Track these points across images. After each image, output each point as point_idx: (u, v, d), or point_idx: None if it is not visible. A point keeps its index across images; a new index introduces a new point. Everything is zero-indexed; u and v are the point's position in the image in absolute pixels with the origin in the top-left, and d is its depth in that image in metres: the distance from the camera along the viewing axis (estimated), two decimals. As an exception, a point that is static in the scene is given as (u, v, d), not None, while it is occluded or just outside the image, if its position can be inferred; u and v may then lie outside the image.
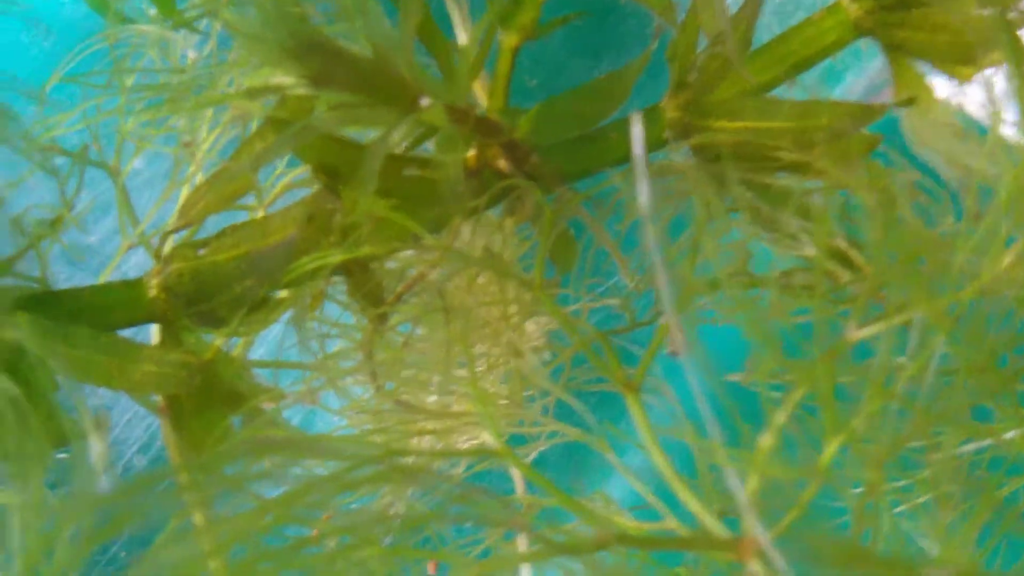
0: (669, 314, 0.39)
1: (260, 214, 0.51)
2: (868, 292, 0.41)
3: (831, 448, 0.39)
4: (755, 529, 0.38)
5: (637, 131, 0.40)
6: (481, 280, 0.50)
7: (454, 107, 0.42)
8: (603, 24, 0.75)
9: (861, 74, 0.66)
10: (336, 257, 0.43)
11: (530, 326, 0.53)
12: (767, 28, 0.49)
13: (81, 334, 0.44)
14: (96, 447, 0.38)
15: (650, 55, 0.52)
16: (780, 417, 0.38)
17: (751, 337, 0.39)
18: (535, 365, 0.49)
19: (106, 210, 0.59)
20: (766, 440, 0.39)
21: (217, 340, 0.48)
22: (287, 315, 0.48)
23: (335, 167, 0.43)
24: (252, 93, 0.41)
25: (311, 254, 0.43)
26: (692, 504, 0.40)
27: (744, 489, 0.38)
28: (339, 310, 0.51)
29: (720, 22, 0.49)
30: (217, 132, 0.51)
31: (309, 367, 0.53)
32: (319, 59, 0.39)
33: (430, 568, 0.61)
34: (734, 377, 0.49)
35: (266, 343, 0.52)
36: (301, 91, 0.40)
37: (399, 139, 0.41)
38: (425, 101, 0.40)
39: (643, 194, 0.39)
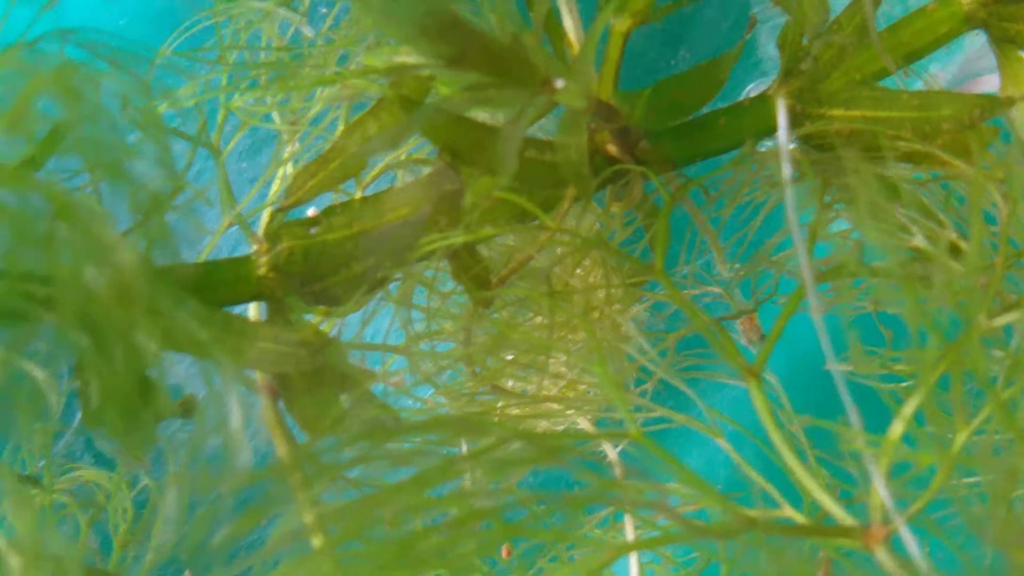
0: (810, 296, 0.39)
1: (357, 194, 0.51)
2: (997, 281, 0.41)
3: (962, 435, 0.39)
4: (884, 516, 0.38)
5: (782, 115, 0.40)
6: (583, 268, 0.50)
7: (582, 96, 0.42)
8: (680, 11, 0.75)
9: (949, 64, 0.66)
10: (460, 238, 0.42)
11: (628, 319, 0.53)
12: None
13: (195, 310, 0.43)
14: (233, 432, 0.38)
15: (743, 45, 0.52)
16: (912, 402, 0.38)
17: (911, 321, 0.38)
18: (639, 348, 0.49)
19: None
20: (897, 425, 0.39)
21: (317, 322, 0.48)
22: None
23: (461, 147, 0.42)
24: (382, 71, 0.41)
25: (431, 234, 0.43)
26: (816, 492, 0.40)
27: (876, 474, 0.38)
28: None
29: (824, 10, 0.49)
30: (314, 113, 0.50)
31: (402, 351, 0.53)
32: (457, 38, 0.39)
33: (503, 552, 0.61)
34: (836, 366, 0.49)
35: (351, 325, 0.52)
36: (434, 71, 0.40)
37: (529, 120, 0.41)
38: (560, 83, 0.40)
39: (786, 174, 0.39)
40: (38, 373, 0.40)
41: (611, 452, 0.51)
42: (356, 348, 0.49)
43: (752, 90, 0.72)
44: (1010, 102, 0.44)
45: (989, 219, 0.45)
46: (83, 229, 0.29)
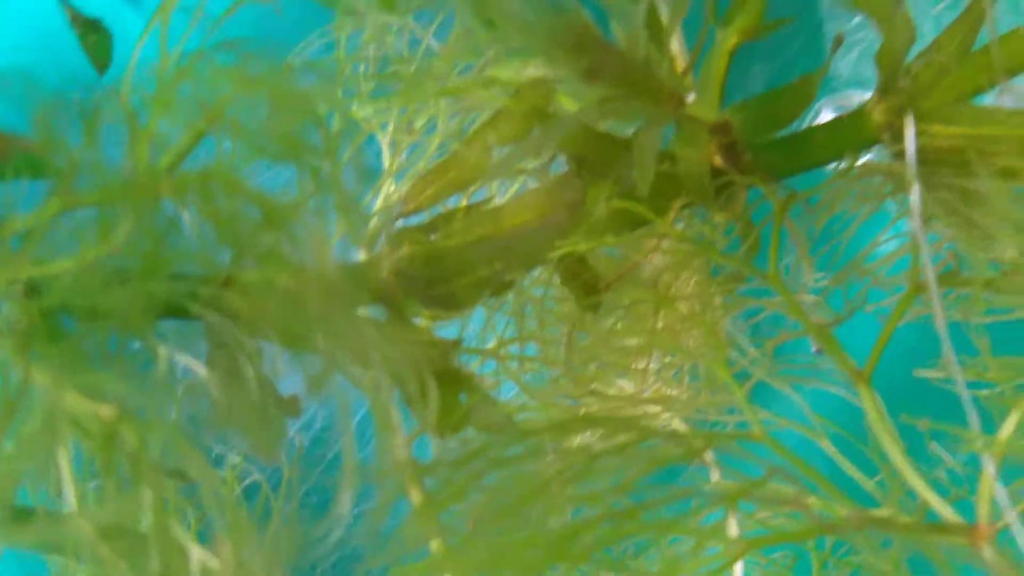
0: (935, 305, 0.41)
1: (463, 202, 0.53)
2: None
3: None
4: (992, 514, 0.40)
5: (909, 133, 0.41)
6: (682, 278, 0.52)
7: (705, 115, 0.44)
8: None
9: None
10: (584, 245, 0.44)
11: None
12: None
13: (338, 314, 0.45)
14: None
15: (830, 61, 0.54)
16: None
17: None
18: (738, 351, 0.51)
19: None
20: (1010, 422, 0.40)
21: (424, 324, 0.49)
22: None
23: (590, 158, 0.44)
24: (516, 84, 0.43)
25: (561, 242, 0.45)
26: (923, 491, 0.42)
27: (989, 470, 0.40)
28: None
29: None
30: (439, 121, 0.52)
31: (507, 357, 0.54)
32: (593, 53, 0.41)
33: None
34: (925, 373, 0.51)
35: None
36: (569, 86, 0.42)
37: (660, 134, 0.43)
38: (691, 97, 0.42)
39: (915, 194, 0.41)
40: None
41: (708, 454, 0.53)
42: (468, 352, 0.51)
43: (823, 106, 0.74)
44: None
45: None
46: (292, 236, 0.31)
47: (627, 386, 0.54)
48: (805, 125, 0.53)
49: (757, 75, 0.71)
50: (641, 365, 0.51)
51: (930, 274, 0.40)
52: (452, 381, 0.46)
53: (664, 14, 0.44)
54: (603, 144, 0.44)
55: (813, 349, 0.66)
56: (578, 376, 0.51)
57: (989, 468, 0.40)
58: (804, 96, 0.53)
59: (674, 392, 0.53)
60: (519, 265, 0.45)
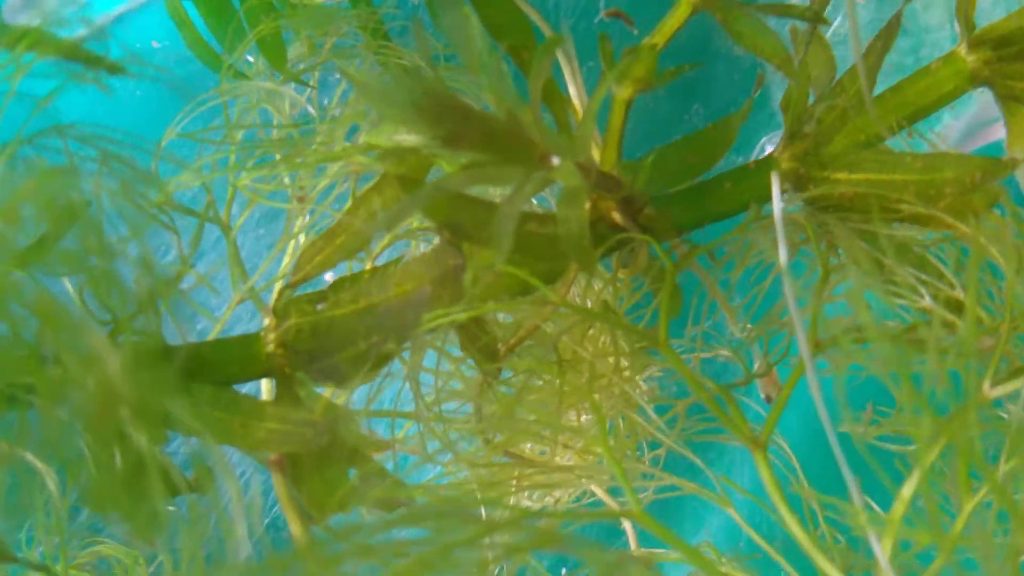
0: (806, 357, 0.39)
1: (367, 266, 0.51)
2: (1003, 344, 0.41)
3: (965, 512, 0.39)
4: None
5: (775, 186, 0.40)
6: (592, 332, 0.50)
7: (579, 164, 0.42)
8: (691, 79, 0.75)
9: (959, 117, 0.65)
10: (463, 314, 0.43)
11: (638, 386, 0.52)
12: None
13: (203, 391, 0.44)
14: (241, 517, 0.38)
15: (749, 108, 0.52)
16: (911, 483, 0.38)
17: (898, 388, 0.38)
18: (647, 417, 0.49)
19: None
20: (900, 504, 0.38)
21: (329, 394, 0.48)
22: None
23: (462, 224, 0.43)
24: (380, 153, 0.41)
25: (435, 310, 0.44)
26: (820, 561, 0.40)
27: (880, 551, 0.38)
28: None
29: (830, 74, 0.49)
30: (321, 187, 0.51)
31: (416, 417, 0.53)
32: (453, 119, 0.39)
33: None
34: (847, 428, 0.49)
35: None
36: (431, 150, 0.40)
37: (528, 197, 0.41)
38: (556, 160, 0.40)
39: (781, 247, 0.39)
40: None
41: (627, 523, 0.51)
42: (368, 416, 0.49)
43: (766, 143, 0.72)
44: (1014, 164, 0.43)
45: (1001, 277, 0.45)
46: (68, 336, 0.30)
47: (546, 451, 0.52)
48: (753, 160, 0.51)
49: (696, 114, 0.70)
50: (550, 431, 0.49)
51: (801, 338, 0.38)
52: (336, 457, 0.45)
53: (536, 81, 0.42)
54: (476, 210, 0.42)
55: (762, 396, 0.64)
56: (495, 441, 0.50)
57: (877, 549, 0.38)
58: (720, 142, 0.51)
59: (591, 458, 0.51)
60: (396, 336, 0.44)
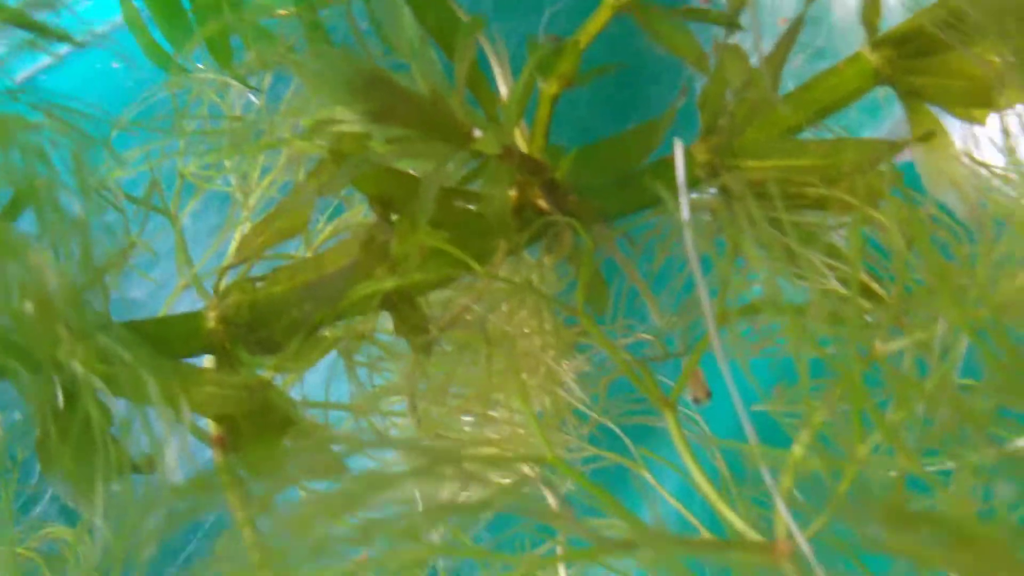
0: (716, 346, 0.41)
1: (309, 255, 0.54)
2: (893, 310, 0.43)
3: (863, 445, 0.41)
4: (788, 530, 0.40)
5: (679, 159, 0.42)
6: (521, 315, 0.53)
7: (503, 147, 0.45)
8: (630, 87, 0.79)
9: (878, 130, 0.69)
10: (389, 283, 0.45)
11: (564, 365, 0.55)
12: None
13: (143, 359, 0.46)
14: (173, 449, 0.40)
15: (676, 110, 0.55)
16: (808, 427, 0.40)
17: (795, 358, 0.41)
18: (573, 392, 0.51)
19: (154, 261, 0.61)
20: (802, 438, 0.41)
21: (269, 370, 0.50)
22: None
23: (391, 198, 0.45)
24: (312, 131, 0.44)
25: (365, 283, 0.46)
26: (724, 511, 0.42)
27: (778, 489, 0.40)
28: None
29: (747, 70, 0.52)
30: (272, 176, 0.54)
31: (352, 408, 0.55)
32: (381, 95, 0.42)
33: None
34: (760, 407, 0.51)
35: (316, 373, 0.55)
36: (361, 126, 0.43)
37: (451, 172, 0.44)
38: (477, 132, 0.43)
39: (685, 213, 0.41)
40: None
41: (551, 498, 0.53)
42: (307, 406, 0.52)
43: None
44: (904, 143, 0.47)
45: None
46: (12, 255, 0.32)
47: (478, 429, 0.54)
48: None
49: (654, 97, 0.73)
50: (482, 407, 0.51)
51: (707, 310, 0.41)
52: (271, 423, 0.47)
53: (462, 62, 0.45)
54: (405, 184, 0.45)
55: (690, 399, 0.66)
56: (423, 420, 0.52)
57: (778, 486, 0.40)
58: (644, 145, 0.54)
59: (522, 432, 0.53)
60: (326, 305, 0.46)
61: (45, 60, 0.71)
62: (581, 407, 0.52)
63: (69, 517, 0.60)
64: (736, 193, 0.49)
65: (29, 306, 0.33)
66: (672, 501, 0.50)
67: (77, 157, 0.36)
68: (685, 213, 0.40)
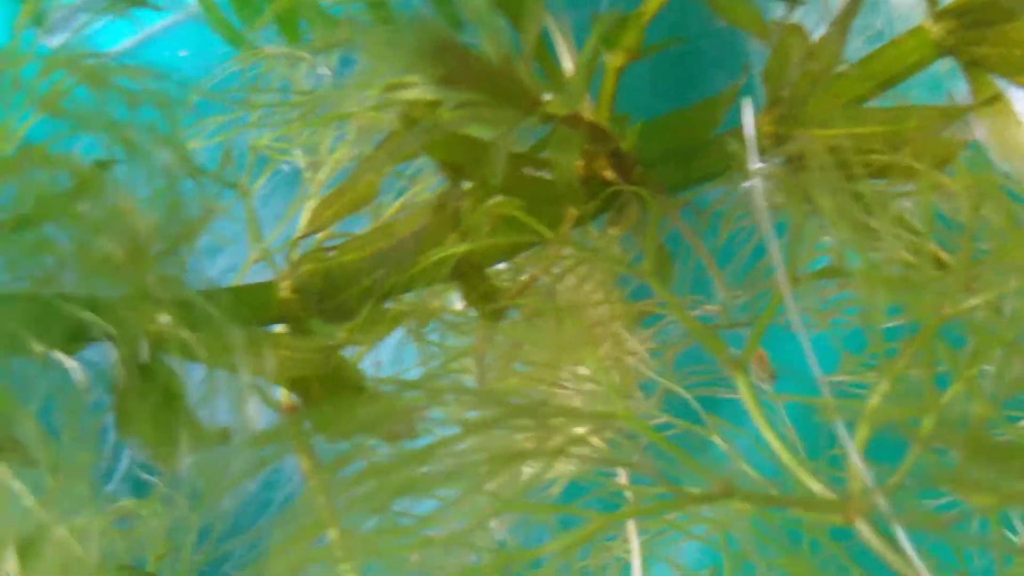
0: (789, 307, 0.42)
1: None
2: (962, 274, 0.44)
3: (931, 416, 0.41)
4: (863, 488, 0.40)
5: (748, 119, 0.43)
6: (588, 287, 0.53)
7: (569, 113, 0.46)
8: (692, 70, 0.80)
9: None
10: (460, 248, 0.46)
11: (632, 336, 0.55)
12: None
13: (225, 321, 0.47)
14: (252, 409, 0.41)
15: (739, 88, 0.56)
16: (883, 383, 0.41)
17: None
18: (641, 363, 0.52)
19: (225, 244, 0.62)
20: (880, 388, 0.41)
21: (340, 343, 0.51)
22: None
23: (461, 164, 0.46)
24: (382, 101, 0.45)
25: (436, 249, 0.47)
26: (797, 470, 0.42)
27: (853, 446, 0.40)
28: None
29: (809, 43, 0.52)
30: (341, 151, 0.55)
31: (420, 383, 0.56)
32: (450, 60, 0.43)
33: None
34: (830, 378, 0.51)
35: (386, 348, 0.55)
36: (430, 93, 0.44)
37: (520, 138, 0.44)
38: (547, 96, 0.43)
39: (755, 167, 0.42)
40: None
41: (623, 475, 0.54)
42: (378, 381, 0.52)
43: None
44: (968, 108, 0.47)
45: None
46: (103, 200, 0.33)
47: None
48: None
49: (716, 81, 0.74)
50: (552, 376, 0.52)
51: (781, 275, 0.41)
52: (344, 387, 0.48)
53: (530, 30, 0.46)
54: (475, 150, 0.46)
55: (754, 379, 0.67)
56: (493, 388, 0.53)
57: (850, 444, 0.40)
58: (707, 121, 0.55)
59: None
60: (398, 271, 0.47)
61: (113, 48, 0.72)
62: (649, 377, 0.53)
63: (141, 494, 0.61)
64: (805, 157, 0.50)
65: (119, 249, 0.34)
66: (745, 467, 0.50)
67: (168, 110, 0.37)
68: (754, 166, 0.41)
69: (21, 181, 0.33)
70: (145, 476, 0.60)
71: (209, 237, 0.56)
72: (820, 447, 0.49)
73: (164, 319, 0.44)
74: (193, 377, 0.47)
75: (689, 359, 0.57)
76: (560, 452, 0.38)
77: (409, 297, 0.51)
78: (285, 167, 0.56)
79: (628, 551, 0.54)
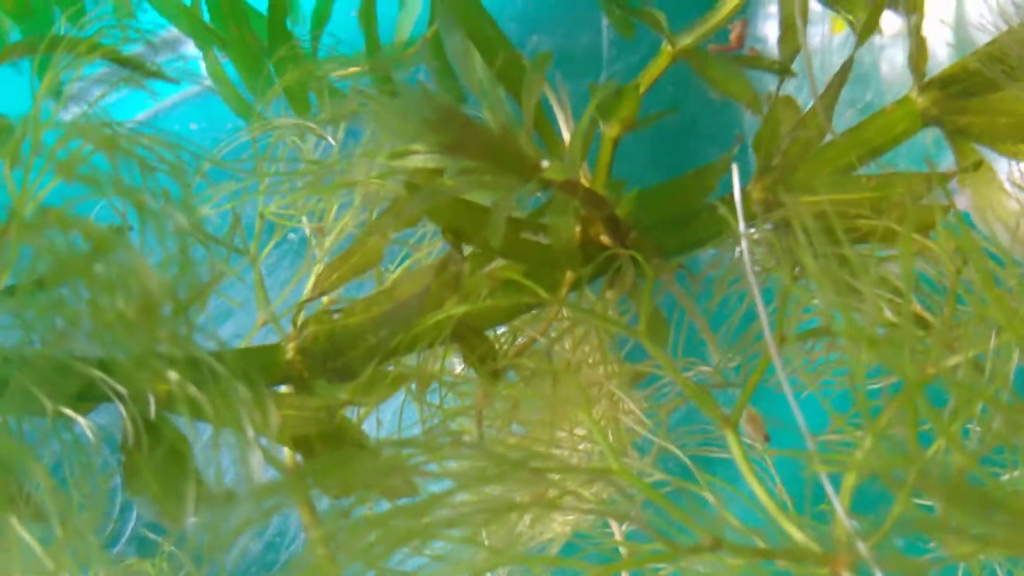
0: (777, 365, 0.43)
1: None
2: (945, 333, 0.45)
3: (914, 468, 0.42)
4: (848, 540, 0.41)
5: (736, 187, 0.45)
6: (584, 349, 0.55)
7: (566, 180, 0.48)
8: (686, 145, 0.82)
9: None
10: (460, 309, 0.48)
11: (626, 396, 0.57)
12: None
13: (226, 384, 0.48)
14: (254, 466, 0.42)
15: (731, 157, 0.57)
16: (869, 438, 0.42)
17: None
18: (636, 421, 0.53)
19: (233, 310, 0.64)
20: (865, 442, 0.42)
21: (343, 404, 0.52)
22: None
23: (463, 228, 0.48)
24: (387, 169, 0.46)
25: (437, 312, 0.48)
26: (786, 524, 0.44)
27: (838, 500, 0.41)
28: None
29: (799, 112, 0.54)
30: (347, 218, 0.56)
31: (420, 443, 0.57)
32: (454, 128, 0.45)
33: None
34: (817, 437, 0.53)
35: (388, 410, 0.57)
36: (433, 161, 0.45)
37: (520, 203, 0.46)
38: (545, 163, 0.45)
39: (744, 247, 0.44)
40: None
41: (616, 530, 0.55)
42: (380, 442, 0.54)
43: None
44: (952, 174, 0.49)
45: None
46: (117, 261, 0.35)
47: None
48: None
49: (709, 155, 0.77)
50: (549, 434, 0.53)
51: (767, 335, 0.43)
52: (346, 443, 0.49)
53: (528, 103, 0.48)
54: (476, 215, 0.48)
55: (748, 441, 0.68)
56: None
57: (835, 497, 0.41)
58: (700, 188, 0.57)
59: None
60: (400, 331, 0.49)
61: (128, 120, 0.74)
62: (643, 436, 0.54)
63: (147, 553, 0.62)
64: (792, 220, 0.51)
65: (130, 307, 0.36)
66: (734, 521, 0.51)
67: (180, 177, 0.39)
68: (743, 231, 0.43)
69: (38, 243, 0.35)
70: (151, 535, 0.62)
71: (218, 301, 0.58)
72: (810, 504, 0.50)
73: (173, 377, 0.45)
74: (202, 437, 0.49)
75: (684, 420, 0.58)
76: (555, 505, 0.39)
77: (410, 359, 0.52)
78: (292, 236, 0.57)
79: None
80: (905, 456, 0.40)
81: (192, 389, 0.46)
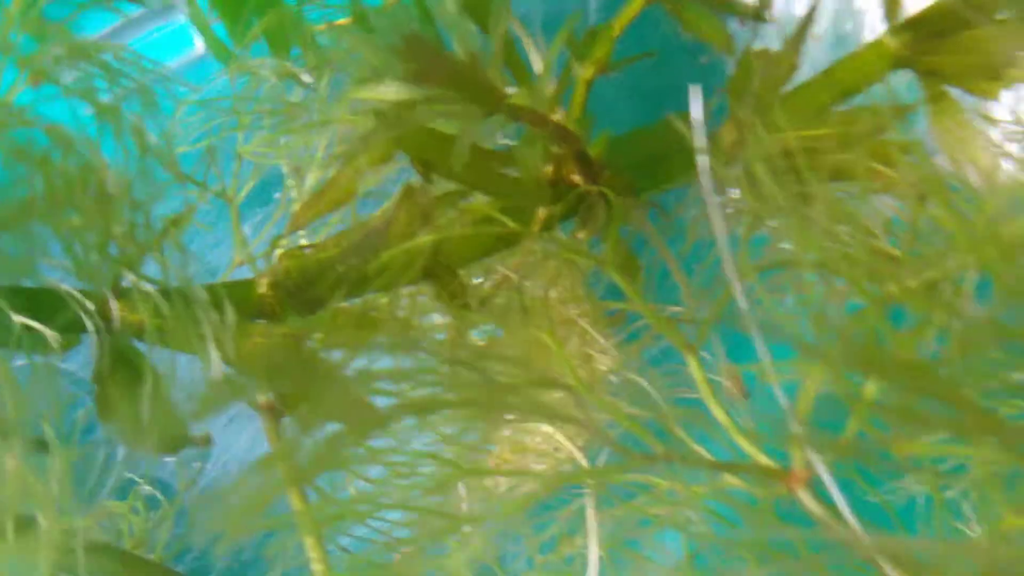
0: (739, 300, 0.43)
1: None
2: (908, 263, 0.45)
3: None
4: (805, 458, 0.41)
5: (699, 130, 0.45)
6: (556, 289, 0.55)
7: (535, 112, 0.48)
8: (660, 73, 0.82)
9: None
10: (429, 238, 0.48)
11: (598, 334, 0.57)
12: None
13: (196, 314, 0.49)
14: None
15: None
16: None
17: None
18: (608, 358, 0.53)
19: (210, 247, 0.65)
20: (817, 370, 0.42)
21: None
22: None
23: (432, 159, 0.48)
24: (359, 106, 0.47)
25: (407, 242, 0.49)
26: (746, 445, 0.44)
27: (795, 417, 0.42)
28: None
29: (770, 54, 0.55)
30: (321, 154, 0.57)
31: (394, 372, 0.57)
32: (421, 57, 0.45)
33: None
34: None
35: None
36: (403, 91, 0.46)
37: (489, 132, 0.47)
38: (512, 90, 0.46)
39: (707, 185, 0.44)
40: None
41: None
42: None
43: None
44: (915, 105, 0.49)
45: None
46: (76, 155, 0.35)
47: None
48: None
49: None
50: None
51: (729, 265, 0.43)
52: (315, 374, 0.49)
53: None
54: (444, 145, 0.48)
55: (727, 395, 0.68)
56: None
57: (791, 414, 0.42)
58: (674, 132, 0.57)
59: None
60: (369, 259, 0.49)
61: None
62: (615, 375, 0.54)
63: (122, 495, 0.62)
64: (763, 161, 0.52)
65: (88, 198, 0.36)
66: (702, 451, 0.51)
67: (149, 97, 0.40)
68: (705, 168, 0.43)
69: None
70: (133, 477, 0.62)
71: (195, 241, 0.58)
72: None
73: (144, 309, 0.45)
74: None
75: (657, 359, 0.58)
76: (504, 411, 0.39)
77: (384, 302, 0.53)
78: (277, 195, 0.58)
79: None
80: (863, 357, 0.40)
81: (162, 320, 0.47)
